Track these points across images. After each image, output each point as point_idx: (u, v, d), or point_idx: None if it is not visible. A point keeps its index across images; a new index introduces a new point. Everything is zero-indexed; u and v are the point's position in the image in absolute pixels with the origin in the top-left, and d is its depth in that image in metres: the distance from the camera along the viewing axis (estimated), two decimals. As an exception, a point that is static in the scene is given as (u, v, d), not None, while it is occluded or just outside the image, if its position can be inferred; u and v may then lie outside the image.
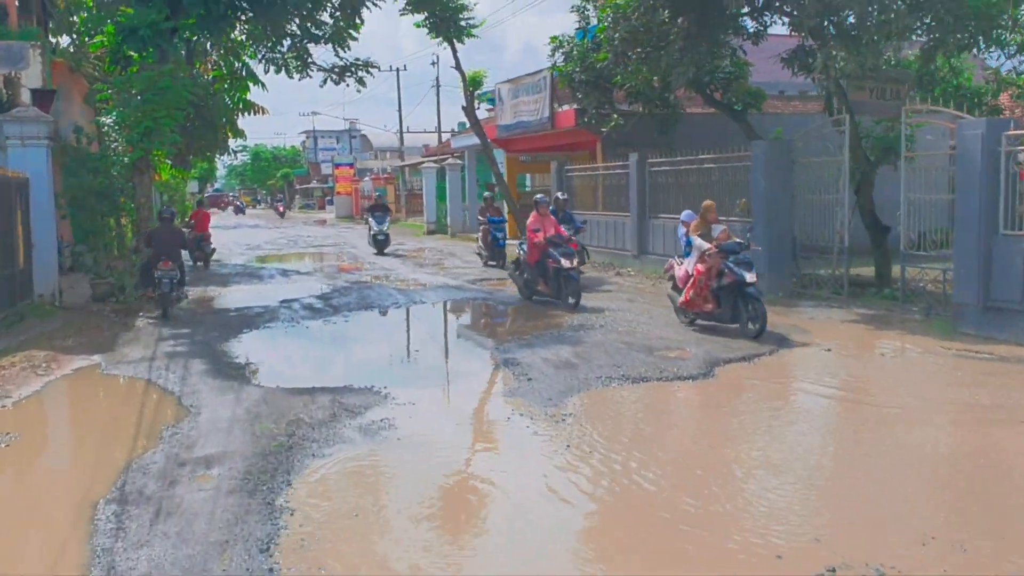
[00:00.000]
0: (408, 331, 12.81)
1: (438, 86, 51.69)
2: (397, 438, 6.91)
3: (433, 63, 52.77)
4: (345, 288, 16.92)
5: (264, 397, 8.24)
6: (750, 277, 10.48)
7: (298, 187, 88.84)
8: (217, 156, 26.63)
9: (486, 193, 22.16)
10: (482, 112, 33.78)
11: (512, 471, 6.15)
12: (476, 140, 31.29)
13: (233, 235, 38.51)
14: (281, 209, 62.74)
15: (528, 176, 29.85)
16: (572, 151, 27.61)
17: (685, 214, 12.66)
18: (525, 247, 14.64)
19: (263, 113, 23.38)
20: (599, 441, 6.68)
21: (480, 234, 21.71)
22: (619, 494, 5.65)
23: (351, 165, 58.14)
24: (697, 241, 11.02)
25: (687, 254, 11.75)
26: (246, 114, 22.62)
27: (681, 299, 11.26)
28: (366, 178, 55.80)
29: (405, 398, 8.10)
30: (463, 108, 22.39)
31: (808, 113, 26.09)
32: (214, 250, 23.44)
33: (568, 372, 8.91)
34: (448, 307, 14.70)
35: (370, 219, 26.42)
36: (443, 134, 52.94)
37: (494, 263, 20.44)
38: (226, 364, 9.90)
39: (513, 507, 5.48)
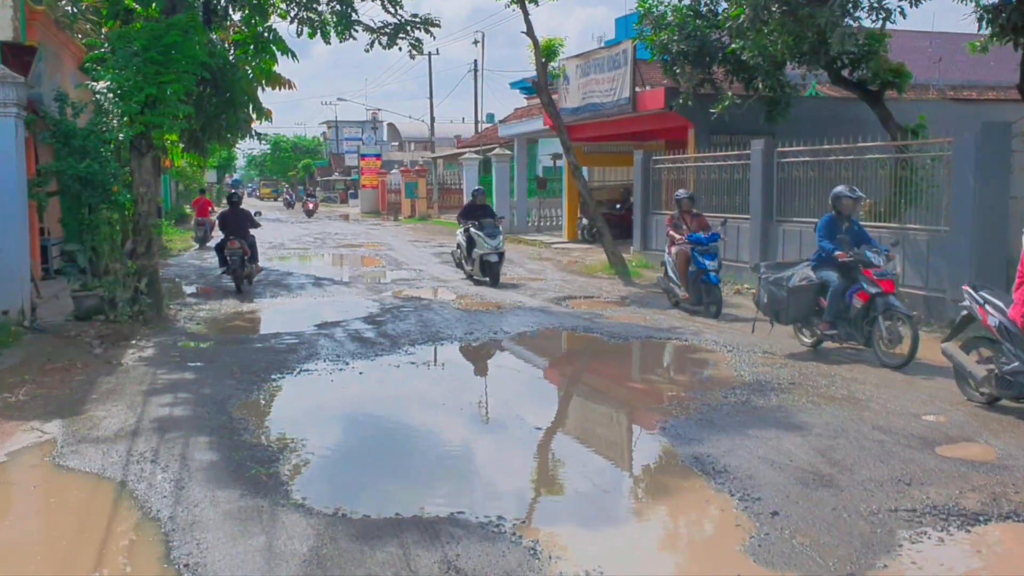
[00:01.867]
0: (506, 384, 9.12)
1: (476, 70, 47.94)
2: None
3: (476, 41, 48.80)
4: (397, 307, 13.27)
5: (318, 547, 4.59)
6: None
7: (319, 179, 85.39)
8: (238, 140, 22.97)
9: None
10: (516, 101, 30.15)
11: None
12: (528, 127, 27.67)
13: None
14: (311, 206, 47.89)
15: (586, 170, 26.07)
16: (646, 140, 23.93)
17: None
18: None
19: (290, 87, 19.75)
20: None
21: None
22: None
23: (378, 156, 54.53)
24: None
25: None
26: (273, 87, 19.02)
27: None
28: (394, 170, 52.19)
29: (568, 555, 4.45)
30: (533, 83, 18.73)
31: (940, 102, 22.31)
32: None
33: (831, 497, 5.21)
34: (544, 341, 11.02)
35: (471, 229, 15.94)
36: (479, 124, 49.30)
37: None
38: (248, 452, 6.25)
39: None
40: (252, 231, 15.63)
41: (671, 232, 12.81)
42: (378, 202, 50.62)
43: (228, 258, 15.01)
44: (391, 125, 70.57)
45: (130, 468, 5.89)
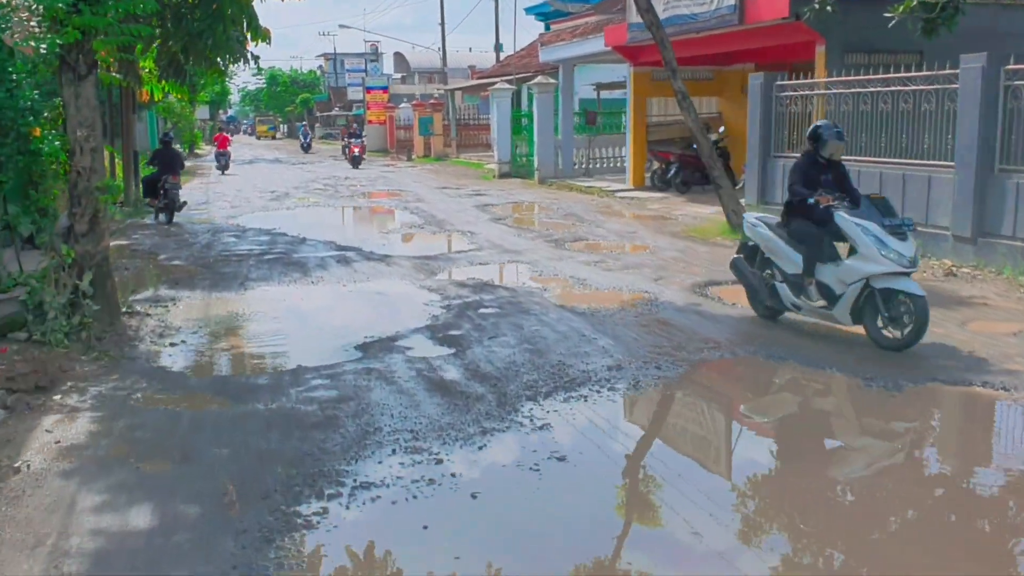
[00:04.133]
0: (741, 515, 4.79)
1: (496, -9, 42.49)
2: None
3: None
4: (469, 303, 8.90)
5: None
6: None
7: (318, 114, 79.92)
8: (229, 64, 18.22)
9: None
10: (528, 32, 25.31)
11: None
12: (580, 49, 22.86)
13: (249, 175, 30.39)
14: (356, 151, 33.14)
15: (657, 101, 21.44)
16: (742, 62, 19.31)
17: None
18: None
19: (294, -5, 14.95)
20: None
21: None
22: None
23: (385, 89, 49.43)
24: None
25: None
26: (270, -4, 14.27)
27: None
28: (403, 104, 47.17)
29: None
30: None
31: None
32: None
33: None
34: (734, 385, 6.70)
35: (849, 218, 7.24)
36: (500, 52, 44.23)
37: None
38: None
39: None
40: (180, 171, 16.95)
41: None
42: (386, 139, 45.75)
43: (168, 192, 16.09)
44: (398, 55, 65.24)
45: None
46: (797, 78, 13.88)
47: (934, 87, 11.02)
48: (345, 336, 7.82)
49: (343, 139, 34.39)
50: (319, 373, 6.64)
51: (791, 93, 13.66)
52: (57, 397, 6.13)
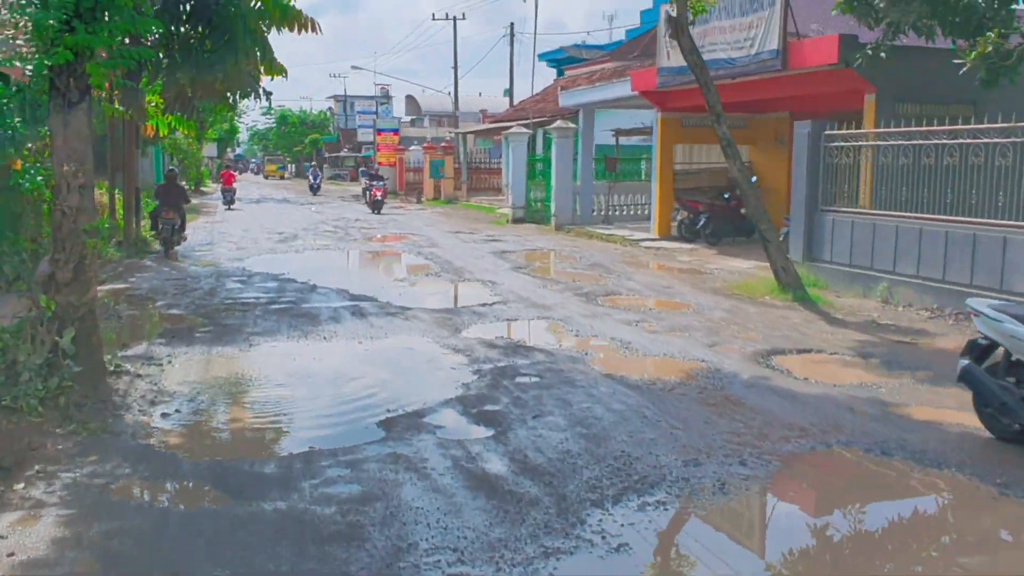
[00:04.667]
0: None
1: (511, 34, 42.04)
2: None
3: None
4: (503, 370, 7.81)
5: None
6: None
7: (327, 155, 79.49)
8: (240, 101, 17.46)
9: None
10: (539, 77, 24.58)
11: None
12: (602, 94, 22.01)
13: (257, 214, 29.49)
14: (378, 195, 30.02)
15: (682, 148, 20.51)
16: (776, 111, 18.52)
17: None
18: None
19: (313, 30, 14.04)
20: None
21: None
22: None
23: (395, 131, 48.80)
24: None
25: None
26: (290, 29, 13.43)
27: None
28: (413, 147, 46.52)
29: None
30: (669, 18, 13.12)
31: None
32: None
33: None
34: (842, 489, 5.60)
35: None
36: (513, 97, 43.68)
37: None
38: None
39: None
40: (184, 205, 17.42)
41: None
42: (396, 182, 44.97)
43: (161, 226, 16.57)
44: (410, 97, 64.91)
45: None
46: (843, 127, 12.94)
47: (1010, 140, 10.05)
48: (364, 409, 6.74)
49: (365, 181, 32.39)
50: (336, 459, 5.53)
51: (842, 143, 12.69)
52: (20, 486, 5.03)
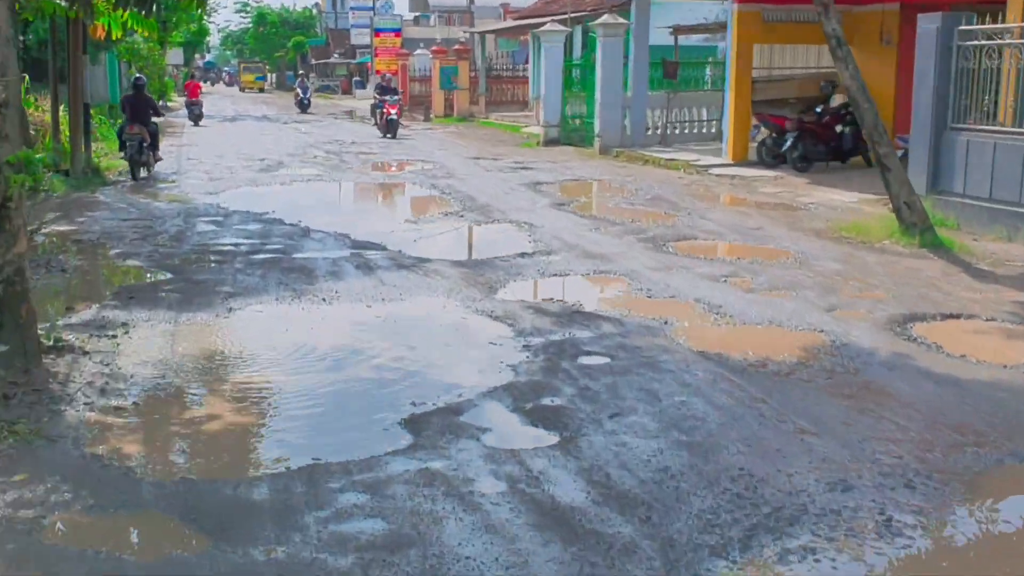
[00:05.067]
0: None
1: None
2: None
3: None
4: (560, 347, 7.02)
5: None
6: None
7: (313, 61, 78.27)
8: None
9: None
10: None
11: None
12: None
13: (232, 135, 28.70)
14: (393, 111, 27.85)
15: (759, 49, 19.41)
16: (884, 3, 17.41)
17: None
18: None
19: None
20: None
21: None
22: None
23: (397, 32, 47.53)
24: None
25: None
26: None
27: None
28: (419, 51, 45.29)
29: None
30: None
31: None
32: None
33: None
34: None
35: None
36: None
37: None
38: None
39: None
40: (154, 119, 17.40)
41: None
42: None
43: (126, 143, 16.44)
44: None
45: None
46: (983, 22, 11.89)
47: None
48: (381, 400, 6.02)
49: (375, 95, 30.37)
50: (350, 478, 4.81)
51: (982, 42, 11.63)
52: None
